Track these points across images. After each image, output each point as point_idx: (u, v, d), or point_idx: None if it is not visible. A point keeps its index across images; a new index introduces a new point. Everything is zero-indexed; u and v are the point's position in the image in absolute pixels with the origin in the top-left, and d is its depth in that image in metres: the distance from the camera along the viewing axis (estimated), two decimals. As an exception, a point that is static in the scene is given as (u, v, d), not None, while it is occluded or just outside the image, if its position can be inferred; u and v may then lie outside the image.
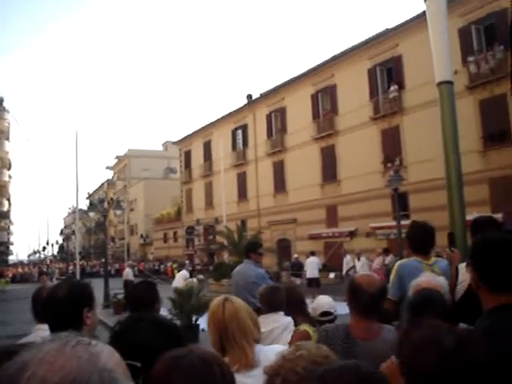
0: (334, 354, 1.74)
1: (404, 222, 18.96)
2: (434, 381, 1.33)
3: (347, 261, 21.61)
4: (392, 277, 3.87)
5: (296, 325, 3.54)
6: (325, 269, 24.53)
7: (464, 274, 3.33)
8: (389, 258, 18.84)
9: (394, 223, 21.53)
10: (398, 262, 3.97)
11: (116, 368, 0.70)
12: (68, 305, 2.39)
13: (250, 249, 7.42)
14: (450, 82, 5.16)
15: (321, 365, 1.59)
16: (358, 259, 19.57)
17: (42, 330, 2.72)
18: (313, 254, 21.67)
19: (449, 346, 1.35)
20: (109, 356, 0.71)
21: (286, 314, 3.64)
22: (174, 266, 39.59)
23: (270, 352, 2.32)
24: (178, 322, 11.49)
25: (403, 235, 17.43)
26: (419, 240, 3.90)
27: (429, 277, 3.00)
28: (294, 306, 3.76)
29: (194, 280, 15.39)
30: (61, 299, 2.42)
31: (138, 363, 1.66)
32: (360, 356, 2.44)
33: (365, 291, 2.71)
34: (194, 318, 11.94)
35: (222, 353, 2.29)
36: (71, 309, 2.39)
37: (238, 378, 2.22)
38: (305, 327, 3.17)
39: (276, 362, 1.68)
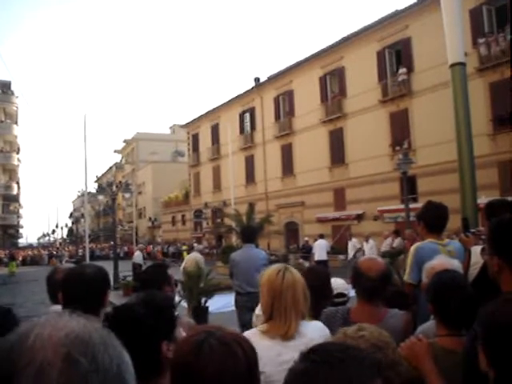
0: (394, 342, 1.73)
1: (412, 206, 18.92)
2: None
3: (353, 243, 21.63)
4: (409, 260, 3.84)
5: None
6: (332, 251, 24.57)
7: (477, 257, 3.32)
8: (397, 241, 18.81)
9: (401, 206, 21.50)
10: (415, 245, 3.94)
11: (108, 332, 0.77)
12: (98, 284, 2.46)
13: (255, 234, 7.92)
14: (462, 64, 5.10)
15: (381, 349, 1.59)
16: (367, 242, 19.56)
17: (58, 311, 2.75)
18: (321, 236, 21.66)
19: None
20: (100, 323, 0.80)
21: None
22: (184, 248, 39.73)
23: (310, 327, 2.44)
24: (185, 304, 11.64)
25: (411, 218, 17.43)
26: (436, 219, 3.88)
27: (442, 259, 2.98)
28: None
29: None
30: (92, 278, 2.48)
31: None
32: None
33: (365, 275, 2.72)
34: (203, 300, 12.02)
35: (269, 317, 2.39)
36: (99, 289, 2.46)
37: (275, 345, 2.34)
38: None
39: (337, 338, 1.69)
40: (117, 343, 0.75)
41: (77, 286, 2.44)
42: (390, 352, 1.63)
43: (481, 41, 22.96)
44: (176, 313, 1.99)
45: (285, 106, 37.16)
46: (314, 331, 2.42)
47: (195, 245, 37.67)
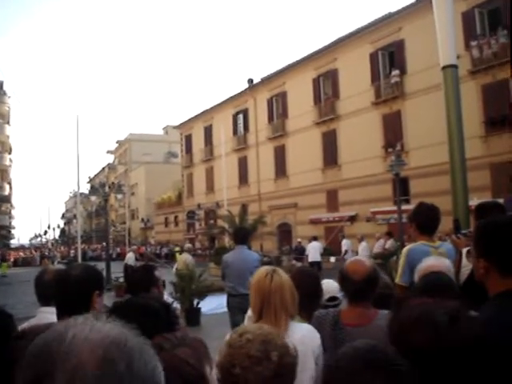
0: (276, 330, 1.74)
1: (404, 207, 18.97)
2: (427, 357, 1.28)
3: (343, 244, 21.77)
4: (401, 262, 3.82)
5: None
6: (325, 253, 24.62)
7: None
8: (389, 242, 18.88)
9: (394, 208, 21.55)
10: (407, 247, 3.93)
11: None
12: (80, 285, 2.39)
13: (248, 235, 7.94)
14: (454, 66, 5.11)
15: (271, 341, 1.55)
16: (360, 243, 19.63)
17: (46, 313, 2.72)
18: (315, 238, 21.81)
19: (441, 320, 1.31)
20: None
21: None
22: (177, 249, 39.69)
23: (300, 328, 2.49)
24: (178, 306, 11.62)
25: (404, 220, 17.46)
26: (428, 221, 3.87)
27: (434, 260, 2.98)
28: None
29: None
30: (74, 279, 2.42)
31: None
32: (346, 342, 2.45)
33: (349, 278, 2.75)
34: (195, 302, 12.02)
35: (259, 318, 2.43)
36: (83, 290, 2.38)
37: None
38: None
39: (225, 353, 1.58)
40: (151, 349, 0.74)
41: (62, 288, 2.41)
42: (278, 339, 1.61)
43: (473, 43, 23.08)
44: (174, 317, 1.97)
45: (278, 108, 37.19)
46: (304, 333, 2.47)
47: (186, 245, 37.57)
